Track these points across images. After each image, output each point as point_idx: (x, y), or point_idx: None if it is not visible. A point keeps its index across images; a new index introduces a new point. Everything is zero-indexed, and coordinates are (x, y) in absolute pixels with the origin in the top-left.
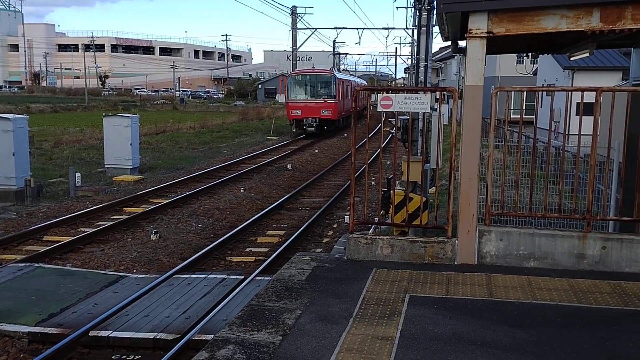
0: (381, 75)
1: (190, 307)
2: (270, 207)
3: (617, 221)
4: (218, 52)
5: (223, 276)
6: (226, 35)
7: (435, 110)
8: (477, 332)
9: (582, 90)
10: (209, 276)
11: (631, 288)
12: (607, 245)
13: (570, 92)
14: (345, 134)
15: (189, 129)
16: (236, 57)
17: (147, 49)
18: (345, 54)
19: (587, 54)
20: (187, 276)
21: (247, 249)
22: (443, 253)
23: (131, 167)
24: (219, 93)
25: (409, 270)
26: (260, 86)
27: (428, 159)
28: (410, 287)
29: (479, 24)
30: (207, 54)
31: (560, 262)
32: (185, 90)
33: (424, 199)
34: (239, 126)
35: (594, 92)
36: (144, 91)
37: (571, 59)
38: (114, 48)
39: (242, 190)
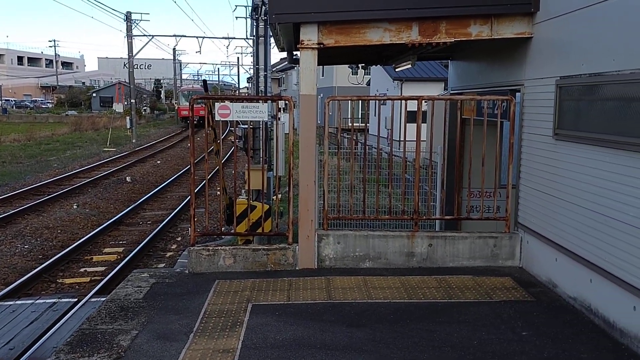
0: (224, 84)
1: (15, 337)
2: (107, 222)
3: (441, 220)
4: (46, 59)
5: (53, 300)
6: (54, 40)
7: (279, 118)
8: (317, 335)
9: (405, 99)
10: (37, 301)
11: (454, 281)
12: (432, 242)
13: (400, 101)
14: (189, 144)
15: (13, 142)
16: (67, 64)
17: None
18: (187, 63)
19: (410, 65)
20: (11, 303)
21: (82, 269)
22: (285, 259)
23: None
24: (48, 102)
25: (251, 279)
26: (94, 94)
27: (272, 167)
28: (253, 296)
29: (310, 35)
30: (33, 60)
31: (392, 261)
32: (9, 100)
33: (267, 207)
34: (72, 137)
35: (416, 101)
36: None
37: (396, 69)
38: None
39: (74, 206)
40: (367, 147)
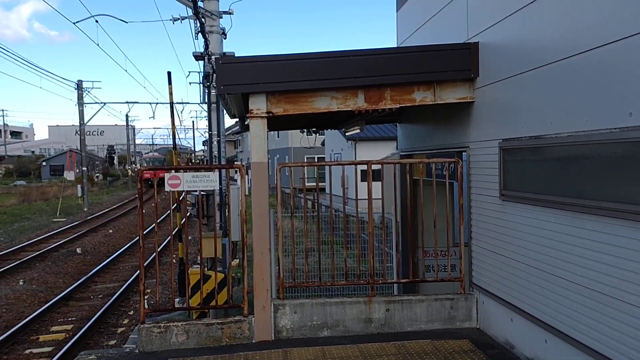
0: (180, 148)
1: None
2: (55, 298)
3: (397, 283)
4: None
5: None
6: (3, 110)
7: (235, 180)
8: None
9: (355, 163)
10: None
11: (413, 347)
12: (390, 307)
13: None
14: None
15: None
16: (15, 134)
17: None
18: (141, 128)
19: (358, 130)
20: None
21: (27, 351)
22: (241, 332)
23: None
24: None
25: (206, 355)
26: (44, 163)
27: (227, 232)
28: None
29: (258, 105)
30: None
31: (350, 328)
32: None
33: (222, 276)
34: (20, 209)
35: (366, 165)
36: None
37: (346, 134)
38: None
39: (21, 283)
40: (320, 207)
